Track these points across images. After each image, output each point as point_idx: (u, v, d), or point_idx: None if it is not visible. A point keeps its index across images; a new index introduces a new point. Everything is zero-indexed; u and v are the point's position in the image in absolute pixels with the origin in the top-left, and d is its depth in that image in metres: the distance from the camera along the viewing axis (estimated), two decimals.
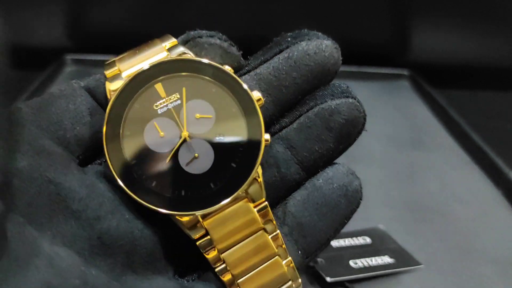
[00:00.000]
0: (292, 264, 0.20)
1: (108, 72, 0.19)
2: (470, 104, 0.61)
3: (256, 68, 0.21)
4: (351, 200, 0.21)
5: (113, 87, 0.19)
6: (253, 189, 0.19)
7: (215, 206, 0.18)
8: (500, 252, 0.33)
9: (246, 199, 0.19)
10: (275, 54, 0.21)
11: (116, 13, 0.53)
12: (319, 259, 0.30)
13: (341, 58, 0.22)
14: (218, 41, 0.21)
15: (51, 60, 0.54)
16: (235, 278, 0.19)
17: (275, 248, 0.19)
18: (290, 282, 0.20)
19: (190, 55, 0.20)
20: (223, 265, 0.19)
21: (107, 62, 0.20)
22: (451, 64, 0.64)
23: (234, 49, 0.21)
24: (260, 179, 0.19)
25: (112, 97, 0.19)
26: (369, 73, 0.61)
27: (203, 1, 0.42)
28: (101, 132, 0.18)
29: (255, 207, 0.19)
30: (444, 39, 0.62)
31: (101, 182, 0.19)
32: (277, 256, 0.19)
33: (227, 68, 0.20)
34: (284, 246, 0.20)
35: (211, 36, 0.21)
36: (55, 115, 0.19)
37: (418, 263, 0.31)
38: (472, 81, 0.65)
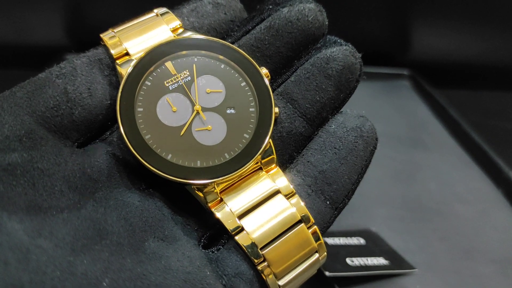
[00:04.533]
0: (316, 228, 0.19)
1: (115, 53, 0.19)
2: (470, 103, 0.61)
3: (239, 39, 0.21)
4: (367, 141, 0.21)
5: (123, 66, 0.19)
6: (266, 159, 0.19)
7: (230, 175, 0.18)
8: (500, 252, 0.33)
9: (260, 169, 0.19)
10: (257, 24, 0.21)
11: (116, 12, 0.53)
12: None
13: (326, 20, 0.21)
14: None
15: (50, 59, 0.54)
16: (257, 246, 0.18)
17: (297, 213, 0.19)
18: (316, 254, 0.19)
19: (196, 35, 0.20)
20: (243, 232, 0.18)
21: (110, 37, 0.20)
22: (451, 63, 0.64)
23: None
24: (273, 152, 0.19)
25: (124, 76, 0.19)
26: (370, 72, 0.61)
27: None
28: (103, 113, 0.19)
29: (267, 172, 0.19)
30: (444, 39, 0.62)
31: (101, 159, 0.18)
32: (302, 224, 0.19)
33: (234, 46, 0.20)
34: (303, 204, 0.19)
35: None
36: (51, 99, 0.18)
37: (412, 267, 0.31)
38: (472, 81, 0.65)
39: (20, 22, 0.54)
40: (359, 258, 0.30)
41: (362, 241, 0.32)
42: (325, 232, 0.20)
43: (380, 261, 0.31)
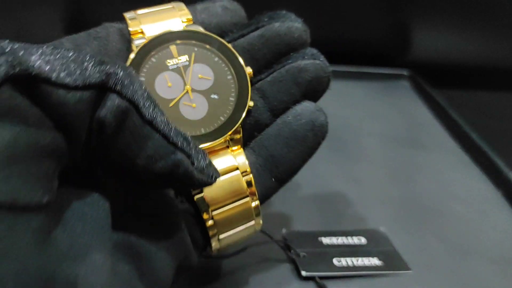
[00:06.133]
0: (258, 203, 0.24)
1: (133, 30, 0.24)
2: (469, 104, 0.61)
3: (235, 40, 0.25)
4: (317, 134, 0.25)
5: (137, 42, 0.23)
6: (234, 139, 0.24)
7: (202, 146, 0.22)
8: (500, 252, 0.33)
9: (227, 147, 0.23)
10: (253, 31, 0.25)
11: (116, 12, 0.53)
12: (301, 253, 0.30)
13: (309, 39, 0.26)
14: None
15: None
16: (209, 205, 0.22)
17: (246, 186, 0.23)
18: (253, 221, 0.24)
19: (201, 29, 0.25)
20: (202, 194, 0.22)
21: (131, 18, 0.24)
22: (451, 64, 0.64)
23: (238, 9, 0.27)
24: (240, 135, 0.24)
25: (136, 49, 0.23)
26: (369, 73, 0.61)
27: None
28: None
29: (232, 150, 0.24)
30: (444, 39, 0.62)
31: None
32: (248, 198, 0.23)
33: (229, 45, 0.24)
34: (253, 182, 0.23)
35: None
36: None
37: (407, 268, 0.31)
38: (472, 81, 0.65)
39: (19, 21, 0.54)
40: (348, 259, 0.30)
41: (363, 240, 0.32)
42: (265, 201, 0.25)
43: (373, 261, 0.30)
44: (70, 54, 0.16)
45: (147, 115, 0.17)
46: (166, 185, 0.20)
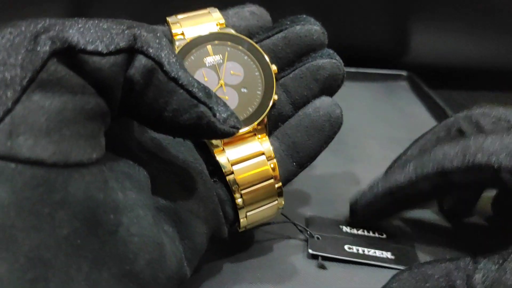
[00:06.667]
0: (280, 184, 0.27)
1: (175, 32, 0.27)
2: (468, 105, 0.61)
3: (261, 41, 0.29)
4: (333, 124, 0.28)
5: (178, 43, 0.26)
6: (260, 128, 0.27)
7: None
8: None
9: (254, 134, 0.27)
10: (277, 33, 0.28)
11: (117, 12, 0.54)
12: (316, 235, 0.31)
13: (326, 40, 0.29)
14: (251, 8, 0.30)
15: None
16: (239, 186, 0.25)
17: (271, 169, 0.26)
18: (276, 201, 0.27)
19: (233, 31, 0.28)
20: (233, 175, 0.25)
21: (173, 22, 0.27)
22: (449, 65, 0.65)
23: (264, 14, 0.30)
24: (266, 124, 0.27)
25: (177, 49, 0.26)
26: (368, 74, 0.61)
27: (204, 2, 0.42)
28: None
29: (259, 138, 0.27)
30: (443, 41, 0.63)
31: None
32: (272, 179, 0.26)
33: (257, 46, 0.28)
34: (276, 166, 0.26)
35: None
36: None
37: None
38: (470, 82, 0.65)
39: (22, 18, 0.54)
40: (360, 248, 0.31)
41: (384, 236, 0.32)
42: (287, 183, 0.28)
43: (385, 254, 0.30)
44: (101, 24, 0.18)
45: (171, 73, 0.19)
46: (194, 135, 0.23)
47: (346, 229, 0.32)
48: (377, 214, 0.32)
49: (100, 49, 0.18)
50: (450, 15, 0.60)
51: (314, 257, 0.30)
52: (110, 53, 0.18)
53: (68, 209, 0.16)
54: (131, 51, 0.19)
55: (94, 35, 0.18)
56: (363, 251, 0.30)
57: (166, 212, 0.22)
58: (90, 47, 0.17)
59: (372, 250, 0.30)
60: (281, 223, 0.32)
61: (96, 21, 0.18)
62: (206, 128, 0.21)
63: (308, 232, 0.31)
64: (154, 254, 0.20)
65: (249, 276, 0.28)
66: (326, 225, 0.33)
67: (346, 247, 0.30)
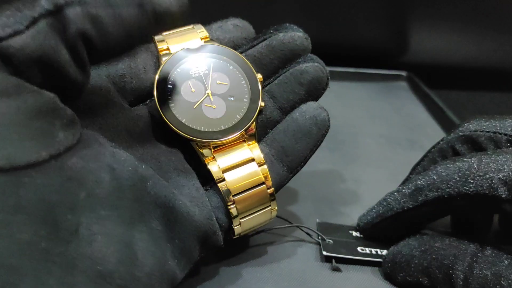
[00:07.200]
0: (272, 190, 0.27)
1: (160, 48, 0.28)
2: (467, 104, 0.62)
3: (246, 51, 0.30)
4: (320, 127, 0.28)
5: (164, 58, 0.27)
6: (249, 134, 0.27)
7: (222, 139, 0.26)
8: None
9: (244, 141, 0.27)
10: (261, 42, 0.29)
11: None
12: (328, 240, 0.31)
13: (310, 45, 0.30)
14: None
15: None
16: (231, 193, 0.26)
17: (262, 175, 0.27)
18: (269, 207, 0.27)
19: (217, 43, 0.29)
20: (224, 182, 0.26)
21: (159, 40, 0.28)
22: (448, 65, 0.65)
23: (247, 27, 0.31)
24: (255, 130, 0.27)
25: (164, 63, 0.27)
26: (367, 74, 0.61)
27: (205, 2, 0.43)
28: (152, 82, 0.27)
29: (248, 144, 0.27)
30: (442, 41, 0.63)
31: (146, 116, 0.27)
32: (264, 185, 0.27)
33: (241, 55, 0.29)
34: (267, 171, 0.27)
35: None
36: (121, 70, 0.27)
37: None
38: (469, 82, 0.65)
39: None
40: (373, 249, 0.31)
41: None
42: (280, 189, 0.28)
43: None
44: (13, 8, 0.18)
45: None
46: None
47: (356, 234, 0.32)
48: (384, 235, 0.31)
49: (15, 29, 0.17)
50: (449, 15, 0.60)
51: (328, 259, 0.30)
52: (27, 27, 0.18)
53: (24, 213, 0.16)
54: (57, 11, 0.18)
55: (4, 20, 0.18)
56: (376, 252, 0.30)
57: (160, 206, 0.22)
58: (7, 31, 0.17)
59: (386, 251, 0.30)
60: (282, 228, 0.32)
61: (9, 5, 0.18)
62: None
63: (320, 236, 0.31)
64: (123, 252, 0.19)
65: (251, 279, 0.28)
66: (337, 231, 0.33)
67: (359, 248, 0.30)
